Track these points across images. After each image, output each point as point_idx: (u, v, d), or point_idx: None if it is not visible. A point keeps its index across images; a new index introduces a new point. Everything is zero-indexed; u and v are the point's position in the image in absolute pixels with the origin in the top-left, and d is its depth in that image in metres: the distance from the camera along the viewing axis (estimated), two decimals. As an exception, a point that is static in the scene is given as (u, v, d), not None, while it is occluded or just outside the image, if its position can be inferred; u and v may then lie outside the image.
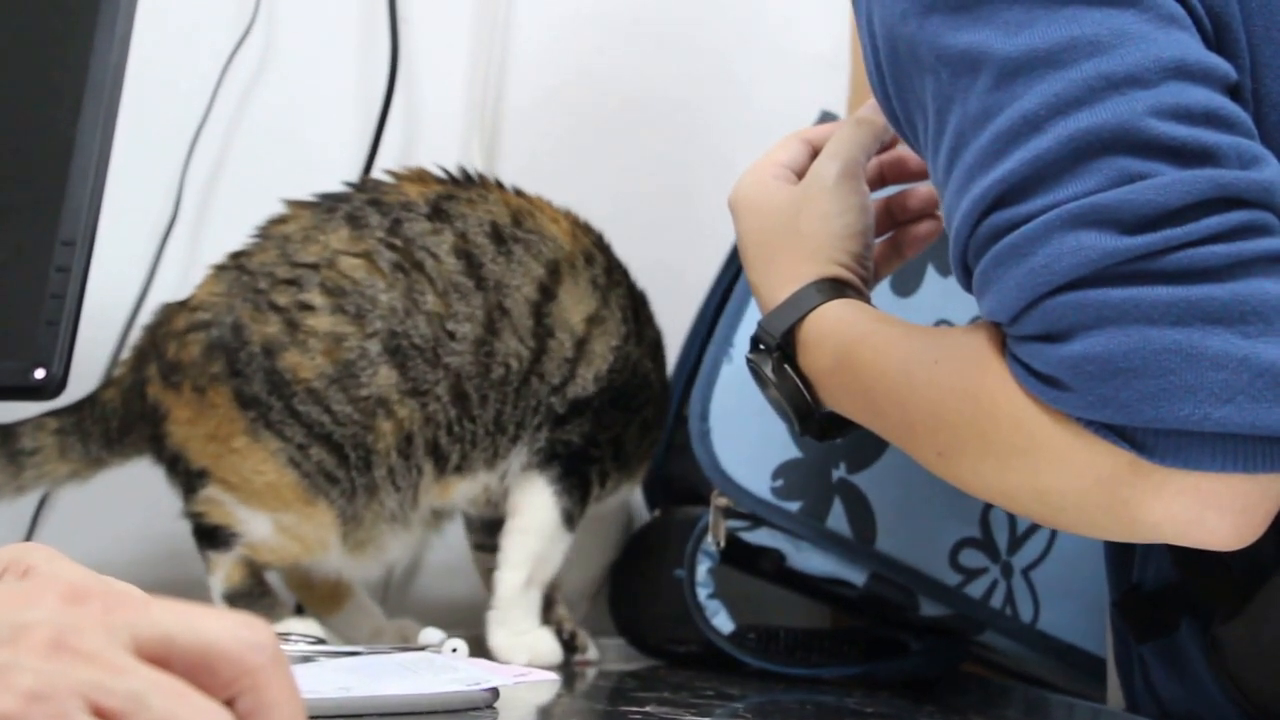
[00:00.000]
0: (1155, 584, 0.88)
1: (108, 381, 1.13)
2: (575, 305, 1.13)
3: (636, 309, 1.19)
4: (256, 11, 1.36)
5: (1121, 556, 0.92)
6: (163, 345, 1.10)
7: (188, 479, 1.10)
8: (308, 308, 1.08)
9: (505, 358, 1.10)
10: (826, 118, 1.20)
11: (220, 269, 1.12)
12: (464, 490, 1.13)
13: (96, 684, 0.42)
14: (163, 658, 0.44)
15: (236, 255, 1.12)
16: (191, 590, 1.09)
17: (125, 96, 1.03)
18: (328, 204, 1.12)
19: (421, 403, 1.08)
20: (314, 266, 1.08)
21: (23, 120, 1.04)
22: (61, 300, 0.99)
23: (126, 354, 1.13)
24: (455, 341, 1.09)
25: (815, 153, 0.94)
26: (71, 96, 1.02)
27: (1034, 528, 1.13)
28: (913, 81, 0.77)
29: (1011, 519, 1.13)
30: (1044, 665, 1.16)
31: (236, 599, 1.09)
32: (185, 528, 1.12)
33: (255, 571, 1.10)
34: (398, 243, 1.09)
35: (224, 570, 1.09)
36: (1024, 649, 1.14)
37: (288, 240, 1.10)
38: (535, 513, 1.13)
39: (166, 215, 1.32)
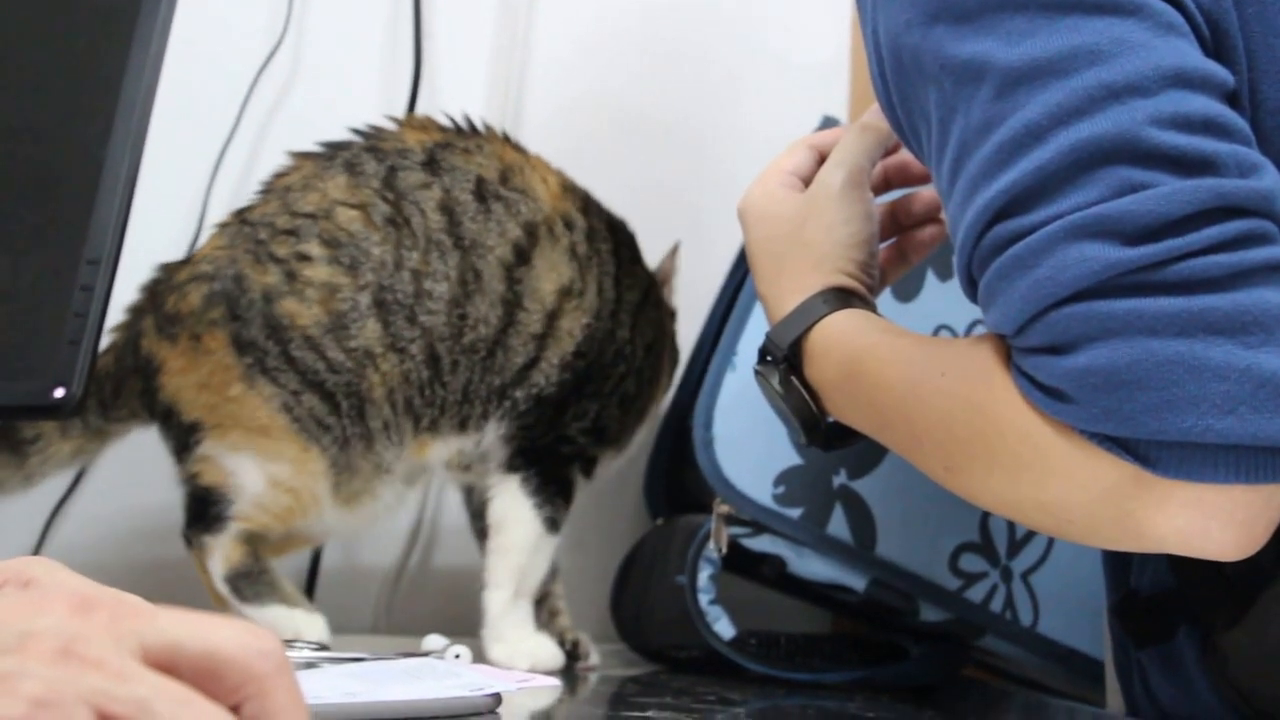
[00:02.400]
0: (1152, 590, 0.89)
1: (101, 352, 1.10)
2: (548, 273, 1.13)
3: (619, 275, 1.17)
4: (285, 31, 1.36)
5: (1119, 562, 0.92)
6: (161, 299, 1.10)
7: (180, 435, 1.09)
8: (305, 258, 1.08)
9: (475, 322, 1.10)
10: (829, 122, 1.21)
11: (223, 226, 1.12)
12: (438, 451, 1.13)
13: (103, 691, 0.43)
14: (170, 665, 0.45)
15: (240, 211, 1.12)
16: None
17: (153, 115, 1.03)
18: (328, 152, 1.13)
19: (400, 359, 1.08)
20: (312, 216, 1.09)
21: (53, 140, 1.05)
22: (84, 319, 0.99)
23: (122, 315, 1.12)
24: (431, 301, 1.09)
25: (822, 159, 0.94)
26: (103, 117, 1.02)
27: (1033, 532, 1.13)
28: (916, 91, 0.77)
29: (1011, 524, 1.13)
30: (1043, 669, 1.16)
31: (238, 579, 1.08)
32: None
33: (254, 548, 1.09)
34: (390, 196, 1.10)
35: (222, 551, 1.08)
36: (1024, 653, 1.14)
37: (289, 190, 1.11)
38: (516, 530, 1.13)
39: (190, 233, 1.32)
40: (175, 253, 1.19)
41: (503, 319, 1.11)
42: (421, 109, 1.39)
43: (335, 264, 1.08)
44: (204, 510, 1.09)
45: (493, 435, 1.13)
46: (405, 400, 1.09)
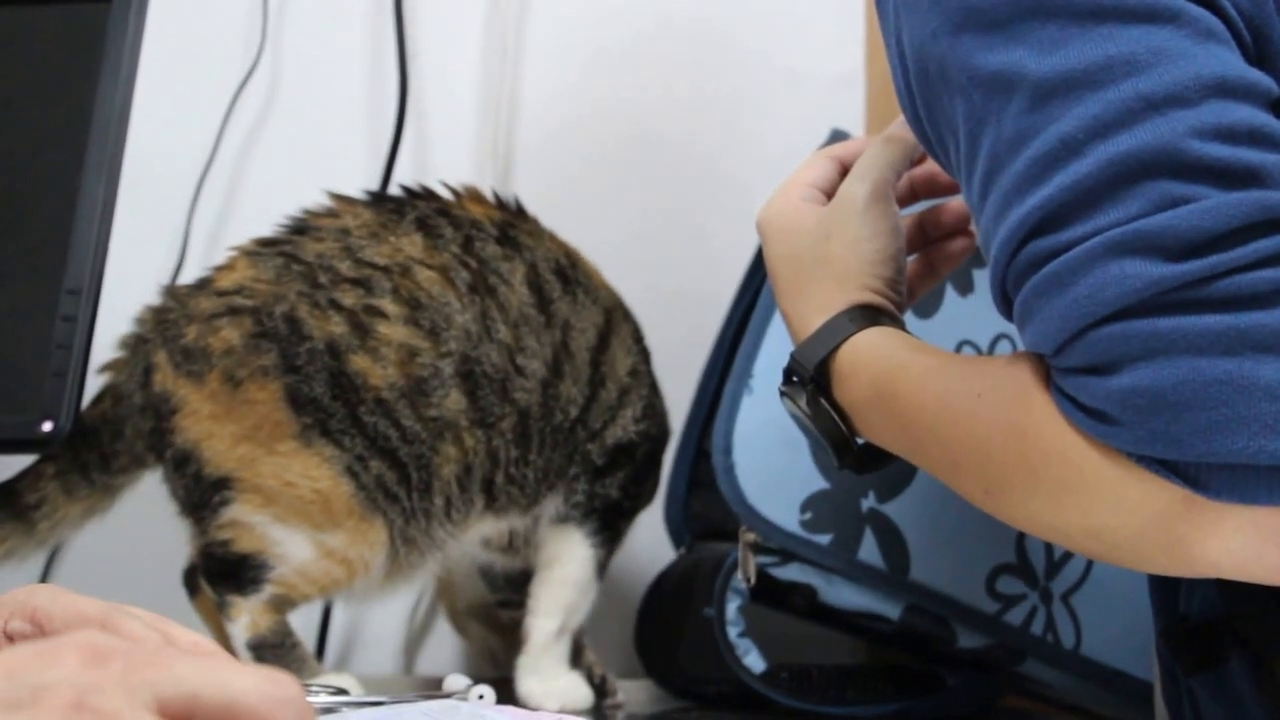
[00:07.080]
0: (1203, 615, 0.86)
1: (95, 399, 1.06)
2: (623, 357, 1.13)
3: (650, 369, 1.18)
4: (261, 50, 1.34)
5: (1167, 587, 0.90)
6: (177, 330, 1.03)
7: (200, 489, 1.02)
8: (380, 314, 1.03)
9: (565, 404, 1.08)
10: (838, 136, 1.18)
11: (254, 255, 1.06)
12: (486, 529, 1.10)
13: None
14: (186, 716, 0.44)
15: (273, 243, 1.06)
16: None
17: (129, 139, 1.02)
18: (391, 204, 1.09)
19: (488, 435, 1.05)
20: (386, 270, 1.04)
21: (26, 168, 1.03)
22: (68, 351, 0.97)
23: (116, 351, 1.07)
24: (524, 378, 1.06)
25: (844, 170, 0.92)
26: (75, 143, 1.01)
27: (1071, 552, 1.11)
28: (943, 102, 0.75)
29: (1049, 543, 1.10)
30: (1088, 693, 1.14)
31: (264, 650, 1.02)
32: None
33: (284, 617, 1.04)
34: (472, 263, 1.07)
35: (249, 616, 1.02)
36: (1067, 677, 1.12)
37: (348, 234, 1.05)
38: (573, 565, 1.12)
39: (173, 260, 1.30)
40: (160, 279, 1.16)
41: (587, 399, 1.10)
42: (409, 129, 1.37)
43: (414, 325, 1.04)
44: (235, 572, 1.03)
45: (559, 507, 1.11)
46: (484, 478, 1.06)
